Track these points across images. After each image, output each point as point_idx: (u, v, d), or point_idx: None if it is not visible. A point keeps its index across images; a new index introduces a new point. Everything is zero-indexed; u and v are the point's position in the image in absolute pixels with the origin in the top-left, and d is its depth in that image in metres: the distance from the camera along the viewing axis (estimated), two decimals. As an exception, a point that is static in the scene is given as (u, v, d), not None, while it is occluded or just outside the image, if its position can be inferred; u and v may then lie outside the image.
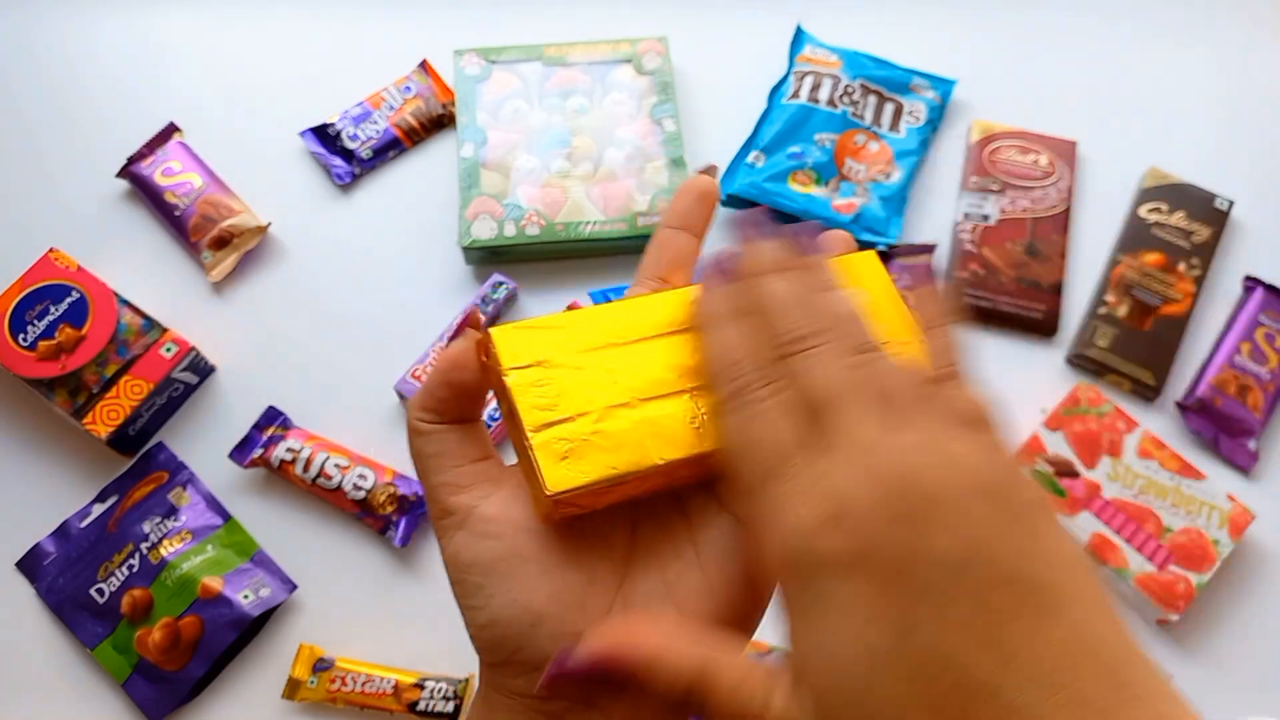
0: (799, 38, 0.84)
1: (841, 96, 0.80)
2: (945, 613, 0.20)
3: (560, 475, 0.26)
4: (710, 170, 0.33)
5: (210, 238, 0.75)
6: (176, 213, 0.76)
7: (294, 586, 0.66)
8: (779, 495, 0.23)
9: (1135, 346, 0.73)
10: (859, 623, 0.21)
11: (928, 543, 0.21)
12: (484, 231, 0.74)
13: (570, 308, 0.29)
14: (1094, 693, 0.19)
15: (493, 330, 0.28)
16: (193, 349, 0.70)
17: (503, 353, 0.28)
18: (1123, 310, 0.74)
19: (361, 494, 0.67)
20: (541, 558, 0.27)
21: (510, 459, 0.29)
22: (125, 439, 0.69)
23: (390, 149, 0.80)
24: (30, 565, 0.67)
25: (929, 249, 0.76)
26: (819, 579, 0.22)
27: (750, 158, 0.78)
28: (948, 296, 0.29)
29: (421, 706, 0.63)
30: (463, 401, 0.28)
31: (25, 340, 0.68)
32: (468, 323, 0.30)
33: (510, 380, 0.27)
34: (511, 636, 0.26)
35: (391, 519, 0.67)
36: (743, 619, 0.28)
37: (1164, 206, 0.77)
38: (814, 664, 0.22)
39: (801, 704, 0.22)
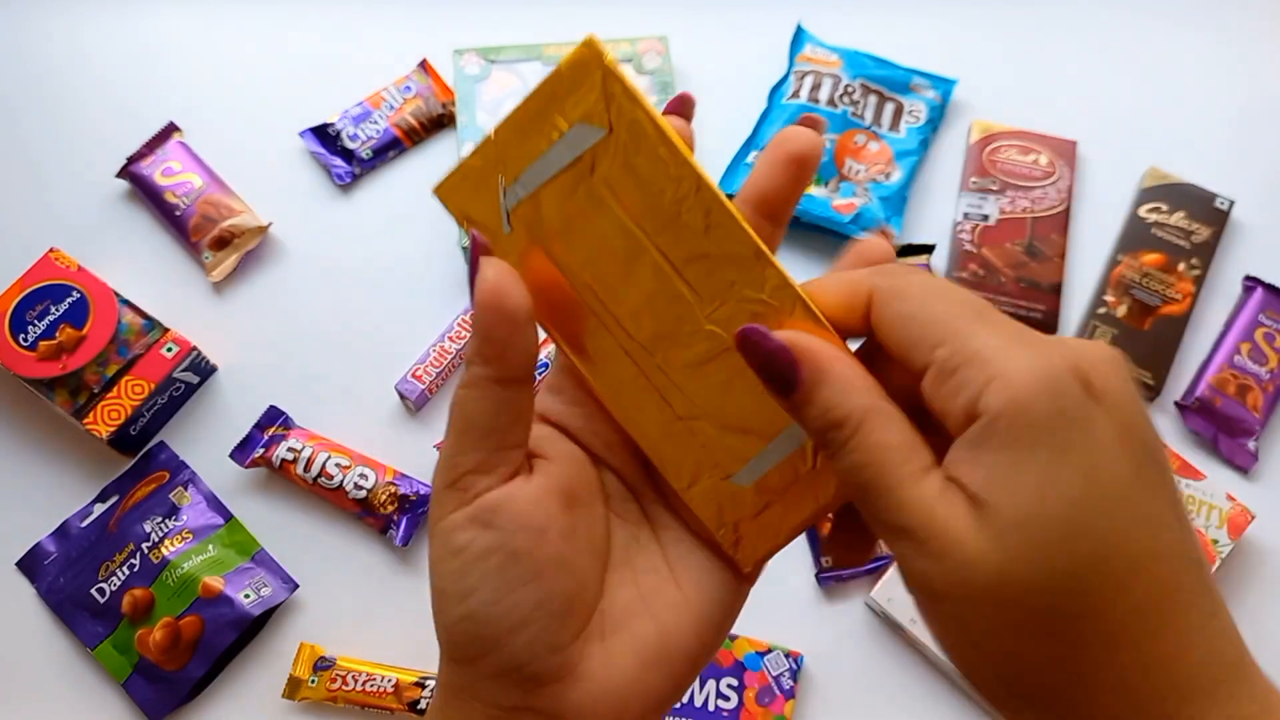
0: (799, 37, 0.84)
1: (842, 96, 0.80)
2: (1166, 478, 0.22)
3: (749, 553, 0.27)
4: (816, 124, 0.29)
5: (211, 238, 0.75)
6: (177, 213, 0.76)
7: (295, 586, 0.66)
8: (995, 334, 0.22)
9: (1135, 346, 0.73)
10: (1112, 453, 0.21)
11: (1139, 398, 0.23)
12: (484, 231, 0.74)
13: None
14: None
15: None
16: (194, 349, 0.70)
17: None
18: (1122, 310, 0.74)
19: (362, 493, 0.67)
20: (537, 560, 0.25)
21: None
22: (126, 439, 0.69)
23: (390, 149, 0.80)
24: (31, 565, 0.67)
25: (929, 249, 0.77)
26: (1070, 406, 0.21)
27: (750, 158, 0.78)
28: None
29: (422, 705, 0.63)
30: (519, 335, 0.25)
31: (26, 340, 0.68)
32: (480, 251, 0.26)
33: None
34: (487, 637, 0.25)
35: (392, 518, 0.67)
36: (718, 631, 0.28)
37: (1164, 206, 0.77)
38: (1048, 485, 0.21)
39: (978, 525, 0.21)
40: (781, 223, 0.29)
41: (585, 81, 0.26)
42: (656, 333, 0.27)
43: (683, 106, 0.30)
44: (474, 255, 0.26)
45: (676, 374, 0.27)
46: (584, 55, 0.26)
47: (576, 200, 0.26)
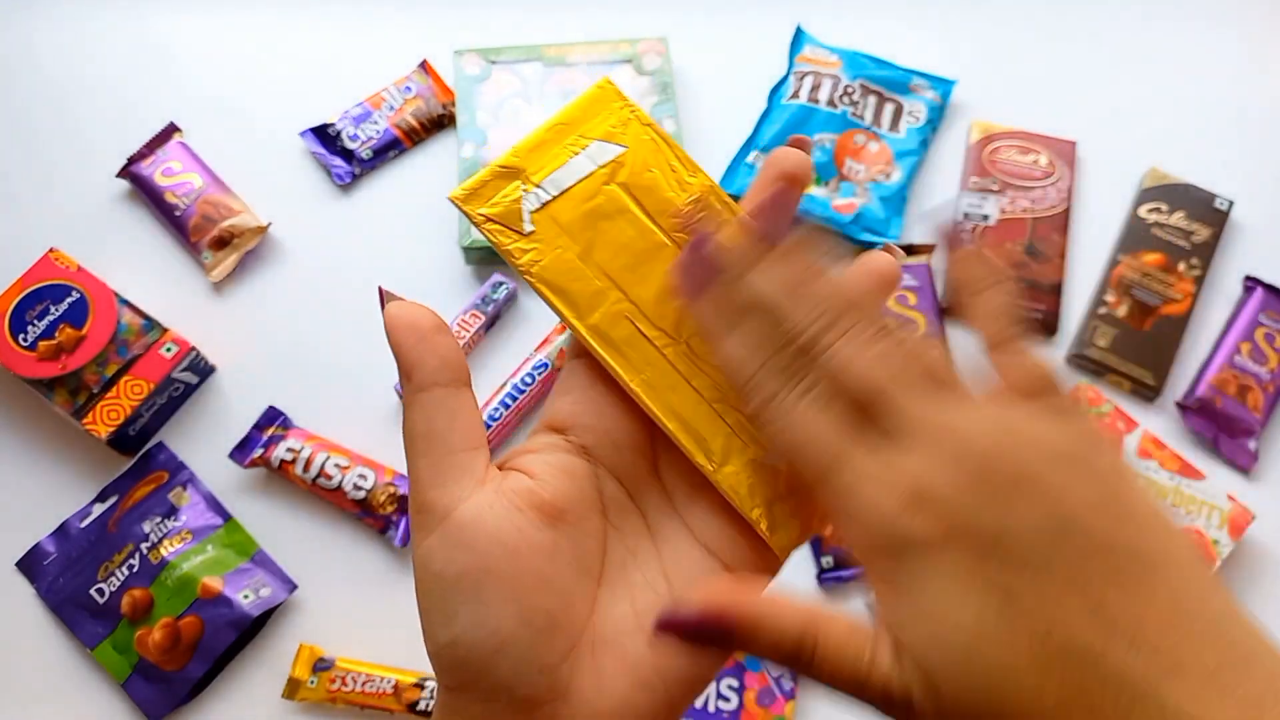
0: (799, 38, 0.84)
1: (841, 97, 0.80)
2: (1044, 582, 0.20)
3: (782, 536, 0.27)
4: (803, 144, 0.29)
5: (210, 238, 0.75)
6: (177, 213, 0.76)
7: (294, 586, 0.66)
8: (847, 486, 0.23)
9: (1135, 346, 0.73)
10: (959, 594, 0.21)
11: (1017, 517, 0.21)
12: (484, 231, 0.74)
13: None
14: (1199, 655, 0.20)
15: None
16: (193, 349, 0.70)
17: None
18: (1123, 310, 0.74)
19: (362, 494, 0.67)
20: (514, 577, 0.25)
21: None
22: (125, 439, 0.69)
23: (390, 149, 0.80)
24: (30, 565, 0.67)
25: (929, 249, 0.77)
26: (912, 558, 0.22)
27: (750, 158, 0.78)
28: (994, 263, 0.27)
29: (422, 706, 0.63)
30: (428, 341, 0.26)
31: (25, 340, 0.68)
32: (383, 300, 0.27)
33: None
34: (473, 661, 0.24)
35: (392, 519, 0.67)
36: (718, 653, 0.27)
37: (1164, 206, 0.77)
38: (917, 635, 0.22)
39: (903, 673, 0.22)
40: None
41: (604, 110, 0.29)
42: (680, 319, 0.28)
43: (800, 145, 0.30)
44: (381, 302, 0.27)
45: (702, 358, 0.28)
46: (601, 92, 0.30)
47: (597, 202, 0.28)
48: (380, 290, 0.27)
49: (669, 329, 0.28)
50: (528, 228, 0.28)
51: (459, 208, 0.28)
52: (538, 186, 0.28)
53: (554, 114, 0.29)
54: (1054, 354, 0.75)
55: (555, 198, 0.28)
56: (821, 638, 0.24)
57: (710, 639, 0.25)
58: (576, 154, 0.28)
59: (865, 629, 0.24)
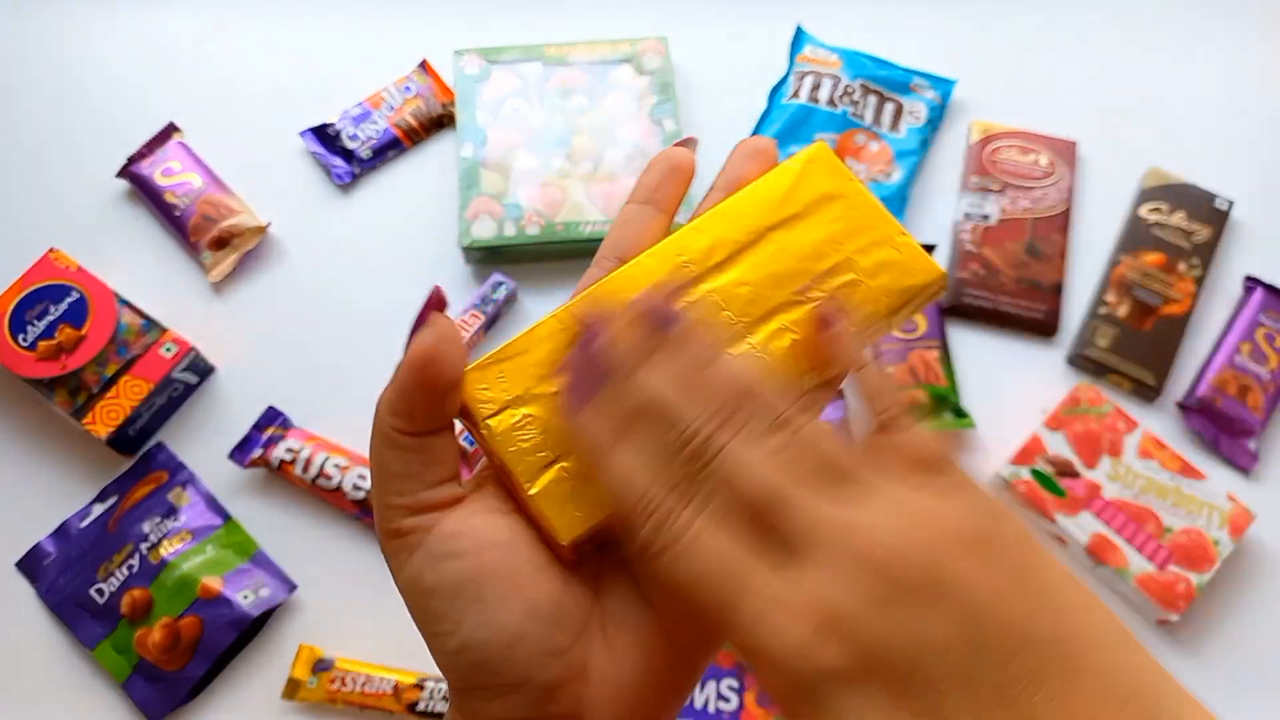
0: (799, 38, 0.84)
1: (841, 96, 0.80)
2: (971, 699, 0.19)
3: (570, 521, 0.25)
4: (688, 142, 0.29)
5: (210, 238, 0.75)
6: (176, 213, 0.76)
7: (294, 586, 0.66)
8: (754, 616, 0.21)
9: (1135, 346, 0.73)
10: None
11: (930, 628, 0.20)
12: (484, 231, 0.74)
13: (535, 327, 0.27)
14: None
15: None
16: (192, 349, 0.70)
17: (473, 400, 0.26)
18: (1123, 310, 0.74)
19: (361, 494, 0.67)
20: (512, 571, 0.24)
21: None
22: (125, 439, 0.69)
23: (390, 149, 0.80)
24: (30, 565, 0.67)
25: (929, 249, 0.76)
26: (827, 696, 0.20)
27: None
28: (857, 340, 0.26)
29: (421, 707, 0.63)
30: (437, 406, 0.25)
31: (25, 340, 0.68)
32: (433, 305, 0.25)
33: (489, 431, 0.26)
34: (488, 660, 0.24)
35: (391, 519, 0.67)
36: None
37: (1164, 206, 0.77)
38: None
39: None
40: (671, 213, 0.29)
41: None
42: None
43: (686, 144, 0.30)
44: (425, 307, 0.25)
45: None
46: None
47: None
48: (433, 297, 0.25)
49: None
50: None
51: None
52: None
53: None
54: (1054, 355, 0.75)
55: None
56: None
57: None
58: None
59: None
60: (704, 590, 0.21)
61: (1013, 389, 0.73)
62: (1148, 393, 0.72)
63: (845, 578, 0.20)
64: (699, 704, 0.62)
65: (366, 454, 0.69)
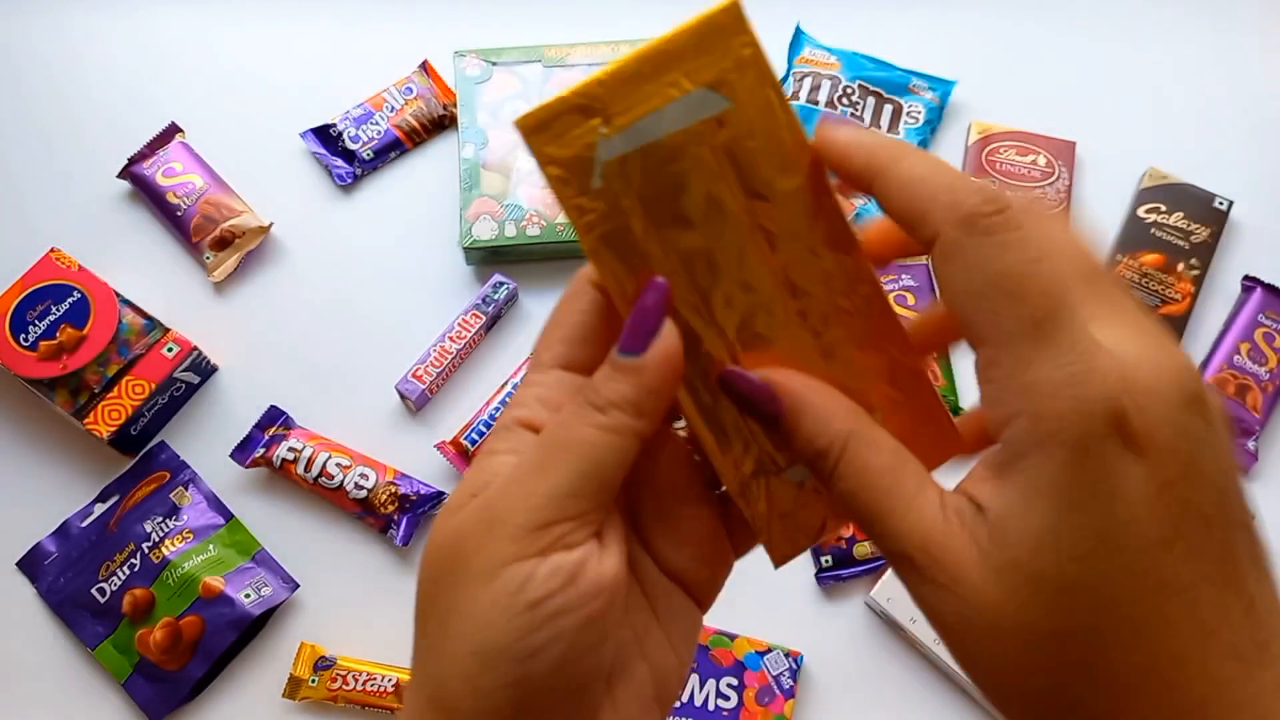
0: (798, 39, 0.84)
1: (840, 97, 0.80)
2: (1212, 538, 0.21)
3: (779, 550, 0.26)
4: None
5: (212, 238, 0.75)
6: (178, 213, 0.76)
7: (295, 585, 0.66)
8: (1043, 357, 0.21)
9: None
10: (1139, 512, 0.20)
11: (1214, 437, 0.21)
12: (485, 232, 0.74)
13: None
14: None
15: None
16: (194, 349, 0.70)
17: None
18: (1122, 310, 0.74)
19: (363, 493, 0.67)
20: (604, 628, 0.23)
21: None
22: (127, 439, 0.69)
23: (391, 150, 0.81)
24: (31, 565, 0.67)
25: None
26: (1099, 456, 0.20)
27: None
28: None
29: (422, 705, 0.63)
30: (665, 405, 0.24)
31: (26, 340, 0.68)
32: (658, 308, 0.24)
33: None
34: (536, 707, 0.22)
35: (393, 518, 0.67)
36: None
37: (1163, 206, 0.77)
38: (1064, 538, 0.20)
39: (958, 534, 0.21)
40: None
41: (720, 47, 0.24)
42: (745, 317, 0.25)
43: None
44: (651, 303, 0.24)
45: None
46: (725, 20, 0.24)
47: (683, 166, 0.24)
48: (655, 285, 0.24)
49: (729, 329, 0.25)
50: (596, 182, 0.24)
51: (522, 138, 0.23)
52: (619, 132, 0.23)
53: (659, 36, 0.23)
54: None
55: (634, 150, 0.24)
56: (854, 449, 0.23)
57: (758, 409, 0.25)
58: (673, 99, 0.23)
59: (916, 470, 0.23)
60: (1023, 288, 0.21)
61: (1012, 388, 0.73)
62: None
63: (1150, 369, 0.21)
64: (699, 701, 0.62)
65: (369, 453, 0.69)
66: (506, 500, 0.23)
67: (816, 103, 0.80)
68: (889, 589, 0.64)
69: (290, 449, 0.68)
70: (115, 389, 0.68)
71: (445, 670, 0.23)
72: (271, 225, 0.77)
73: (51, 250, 0.71)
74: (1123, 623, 0.20)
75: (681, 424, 0.28)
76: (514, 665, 0.22)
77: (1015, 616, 0.21)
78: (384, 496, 0.67)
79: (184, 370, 0.70)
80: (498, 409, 0.69)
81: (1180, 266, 0.75)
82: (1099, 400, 0.20)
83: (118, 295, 0.70)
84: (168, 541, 0.66)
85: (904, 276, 0.75)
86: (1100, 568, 0.20)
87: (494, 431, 0.26)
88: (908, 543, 0.22)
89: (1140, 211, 0.77)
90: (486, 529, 0.23)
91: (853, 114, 0.80)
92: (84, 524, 0.68)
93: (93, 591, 0.65)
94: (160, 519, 0.67)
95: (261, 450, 0.69)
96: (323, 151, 0.80)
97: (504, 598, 0.22)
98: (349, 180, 0.80)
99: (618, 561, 0.24)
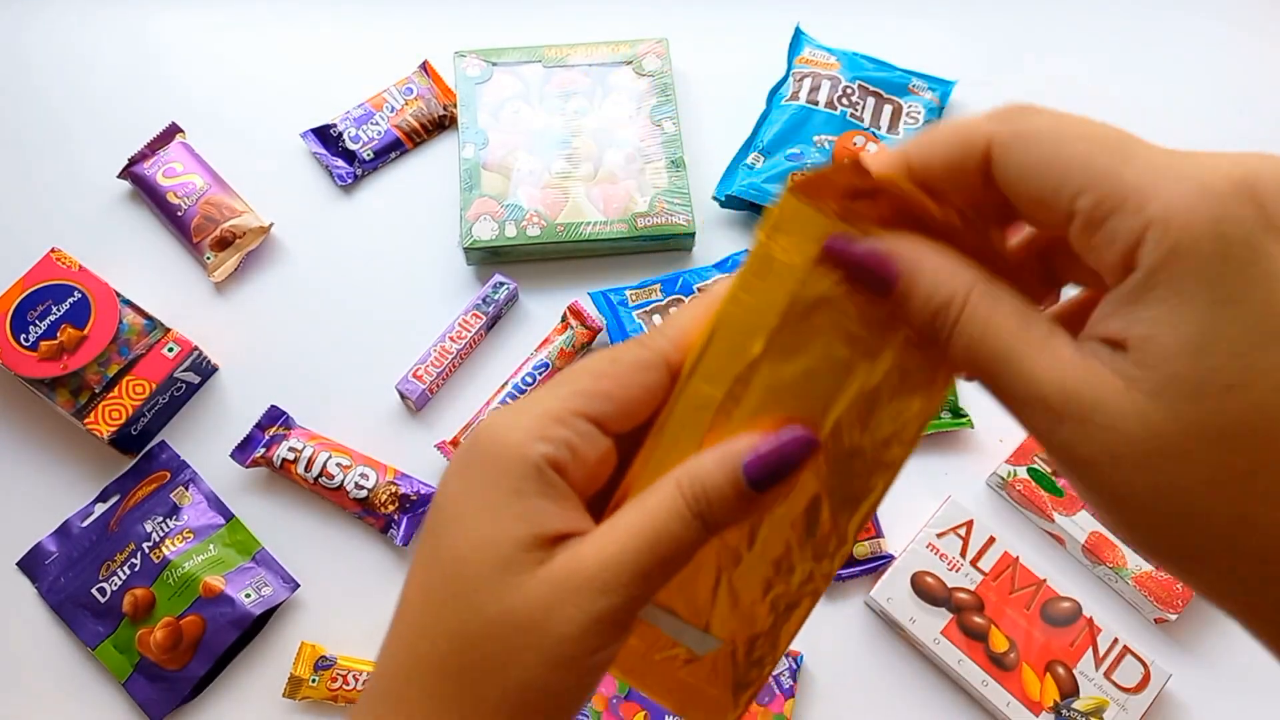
0: (798, 39, 0.84)
1: (840, 98, 0.80)
2: None
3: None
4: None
5: (212, 238, 0.75)
6: (179, 213, 0.76)
7: (296, 585, 0.66)
8: (1151, 167, 0.20)
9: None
10: None
11: None
12: (485, 232, 0.74)
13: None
14: None
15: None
16: (195, 349, 0.70)
17: None
18: (1121, 310, 0.74)
19: (363, 493, 0.67)
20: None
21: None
22: (127, 438, 0.69)
23: (391, 150, 0.81)
24: (31, 565, 0.67)
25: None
26: (1247, 239, 0.19)
27: (749, 159, 0.79)
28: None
29: (423, 705, 0.63)
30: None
31: (27, 340, 0.68)
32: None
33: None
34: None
35: (393, 518, 0.67)
36: None
37: (1162, 207, 0.77)
38: (1223, 336, 0.19)
39: (1107, 384, 0.20)
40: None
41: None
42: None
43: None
44: (800, 453, 0.25)
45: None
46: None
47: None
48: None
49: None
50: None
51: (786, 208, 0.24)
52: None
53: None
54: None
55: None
56: (977, 300, 0.22)
57: (870, 278, 0.24)
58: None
59: (1043, 319, 0.22)
60: (1098, 127, 0.21)
61: (1011, 389, 0.73)
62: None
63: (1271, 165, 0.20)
64: (700, 702, 0.62)
65: (369, 453, 0.69)
66: (590, 570, 0.24)
67: (816, 103, 0.80)
68: (889, 589, 0.65)
69: (290, 449, 0.68)
70: (116, 389, 0.68)
71: None
72: (272, 225, 0.77)
73: (52, 250, 0.71)
74: None
75: None
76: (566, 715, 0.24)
77: (1177, 436, 0.19)
78: (384, 496, 0.67)
79: (184, 370, 0.70)
80: (497, 409, 0.70)
81: (1179, 267, 0.75)
82: (1231, 183, 0.19)
83: (118, 295, 0.70)
84: (168, 541, 0.66)
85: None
86: (1269, 358, 0.19)
87: (519, 452, 0.24)
88: (1043, 384, 0.21)
89: (1139, 212, 0.77)
90: (581, 616, 0.23)
91: (852, 114, 0.80)
92: (84, 524, 0.68)
93: (93, 591, 0.66)
94: (161, 519, 0.67)
95: (262, 450, 0.69)
96: (323, 151, 0.80)
97: (576, 678, 0.24)
98: (349, 180, 0.80)
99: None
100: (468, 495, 0.25)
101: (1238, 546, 0.20)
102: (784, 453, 0.24)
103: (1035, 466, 0.68)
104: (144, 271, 0.76)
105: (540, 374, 0.71)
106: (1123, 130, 0.21)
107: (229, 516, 0.68)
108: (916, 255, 0.23)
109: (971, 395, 0.73)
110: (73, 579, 0.66)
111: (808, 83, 0.81)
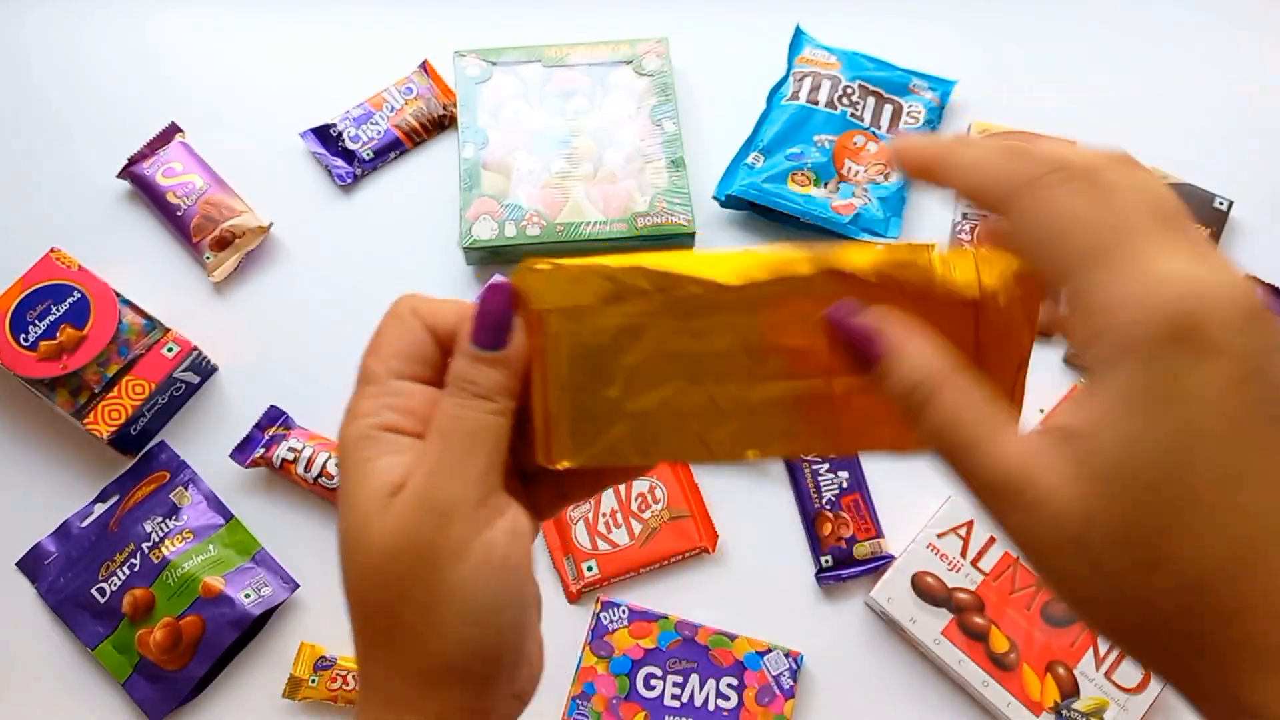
0: (798, 39, 0.84)
1: (840, 97, 0.80)
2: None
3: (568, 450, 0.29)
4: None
5: (212, 238, 0.75)
6: (178, 213, 0.76)
7: (295, 585, 0.66)
8: (1114, 277, 0.23)
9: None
10: (1214, 408, 0.21)
11: (1276, 348, 0.22)
12: (484, 232, 0.74)
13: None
14: None
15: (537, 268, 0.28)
16: (194, 349, 0.70)
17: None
18: (1122, 310, 0.74)
19: (362, 493, 0.67)
20: (530, 567, 0.28)
21: None
22: (127, 439, 0.69)
23: (391, 150, 0.81)
24: (31, 565, 0.67)
25: (929, 248, 0.77)
26: (1170, 360, 0.21)
27: (749, 159, 0.79)
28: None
29: (422, 705, 0.63)
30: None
31: (26, 340, 0.68)
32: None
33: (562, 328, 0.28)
34: (505, 645, 0.27)
35: (392, 518, 0.67)
36: None
37: (1163, 207, 0.77)
38: (1148, 438, 0.22)
39: (1054, 464, 0.22)
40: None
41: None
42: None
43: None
44: (501, 303, 0.28)
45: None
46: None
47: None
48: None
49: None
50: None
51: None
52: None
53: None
54: (1052, 355, 0.75)
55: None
56: (947, 393, 0.24)
57: (858, 350, 0.26)
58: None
59: (1005, 410, 0.24)
60: (1073, 231, 0.24)
61: (1012, 388, 0.73)
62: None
63: (1212, 284, 0.22)
64: (699, 701, 0.62)
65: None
66: (443, 490, 0.26)
67: (816, 103, 0.80)
68: (889, 589, 0.64)
69: (290, 449, 0.68)
70: (115, 389, 0.68)
71: (442, 648, 0.26)
72: (271, 225, 0.77)
73: (52, 250, 0.71)
74: (1203, 511, 0.21)
75: None
76: (505, 614, 0.26)
77: (1106, 524, 0.22)
78: (384, 496, 0.67)
79: (184, 370, 0.70)
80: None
81: (1180, 266, 0.75)
82: (1164, 308, 0.21)
83: (118, 295, 0.70)
84: (168, 541, 0.66)
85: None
86: (1183, 460, 0.21)
87: (355, 441, 0.29)
88: (998, 470, 0.23)
89: (1140, 211, 0.77)
90: (440, 519, 0.26)
91: (853, 114, 0.80)
92: (84, 524, 0.68)
93: (93, 591, 0.65)
94: (160, 519, 0.67)
95: (261, 450, 0.69)
96: (323, 151, 0.80)
97: (483, 565, 0.26)
98: (349, 180, 0.80)
99: (525, 509, 0.28)
100: (343, 489, 0.30)
101: (1170, 631, 0.22)
102: (484, 308, 0.27)
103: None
104: (143, 271, 0.76)
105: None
106: (1134, 217, 0.24)
107: (228, 517, 0.68)
108: (900, 339, 0.26)
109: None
110: (72, 579, 0.66)
111: (808, 82, 0.81)
